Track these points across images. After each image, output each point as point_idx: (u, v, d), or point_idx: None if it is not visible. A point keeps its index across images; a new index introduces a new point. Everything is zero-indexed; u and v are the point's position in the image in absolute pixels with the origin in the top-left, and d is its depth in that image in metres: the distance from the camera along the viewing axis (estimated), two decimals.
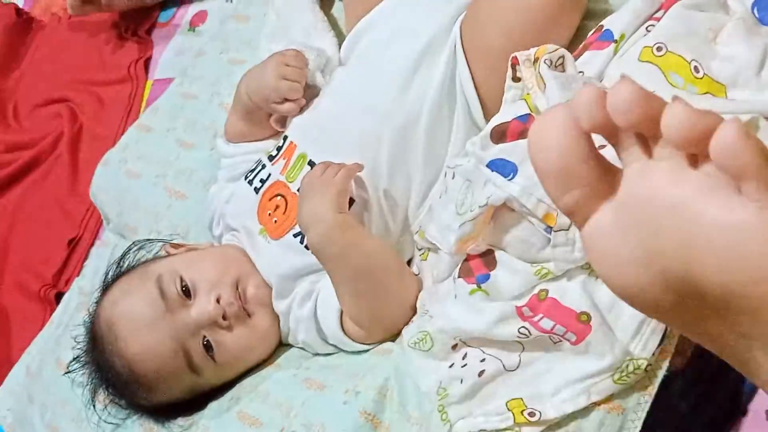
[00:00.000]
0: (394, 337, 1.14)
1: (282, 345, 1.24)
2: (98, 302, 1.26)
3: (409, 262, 1.19)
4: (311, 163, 1.20)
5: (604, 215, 0.57)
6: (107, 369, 1.23)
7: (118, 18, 1.83)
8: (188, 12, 1.79)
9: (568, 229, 0.96)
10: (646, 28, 1.04)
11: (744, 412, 1.02)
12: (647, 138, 0.55)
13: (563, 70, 1.05)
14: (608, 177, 0.57)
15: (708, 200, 0.52)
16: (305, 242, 1.16)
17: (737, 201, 0.52)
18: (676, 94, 0.83)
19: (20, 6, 2.08)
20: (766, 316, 0.53)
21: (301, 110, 1.26)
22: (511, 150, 1.01)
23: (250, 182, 1.27)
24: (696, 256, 0.53)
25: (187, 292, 1.19)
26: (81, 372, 1.30)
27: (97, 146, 1.67)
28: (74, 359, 1.32)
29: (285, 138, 1.26)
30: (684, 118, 0.52)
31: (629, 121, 0.54)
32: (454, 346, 1.03)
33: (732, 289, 0.53)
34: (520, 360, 0.99)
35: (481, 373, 0.99)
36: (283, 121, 1.28)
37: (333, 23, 1.42)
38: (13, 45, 2.00)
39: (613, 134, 0.56)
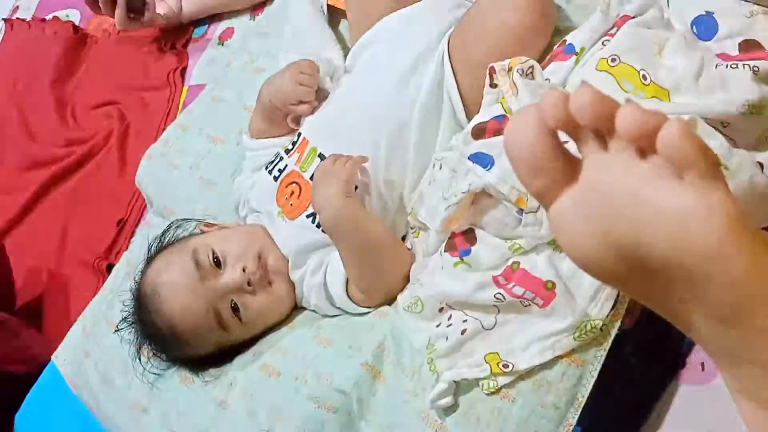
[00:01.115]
0: (391, 301, 1.14)
1: (297, 308, 1.24)
2: (143, 272, 1.26)
3: (403, 239, 1.19)
4: (321, 156, 1.20)
5: (567, 199, 0.57)
6: (150, 327, 1.23)
7: (159, 33, 1.83)
8: (218, 28, 1.79)
9: (536, 211, 0.97)
10: (602, 42, 1.04)
11: (683, 365, 1.03)
12: (603, 134, 0.56)
13: (533, 78, 1.05)
14: (571, 167, 0.57)
15: (655, 186, 0.53)
16: (317, 222, 1.17)
17: (680, 187, 0.52)
18: (629, 98, 0.83)
19: (77, 23, 2.07)
20: (702, 284, 0.54)
21: (313, 111, 1.26)
22: (489, 145, 1.01)
23: (270, 172, 1.27)
24: (644, 233, 0.54)
25: (218, 263, 1.19)
26: (128, 330, 1.30)
27: (142, 142, 1.67)
28: (123, 320, 1.32)
29: (299, 135, 1.26)
30: (635, 117, 0.53)
31: (588, 119, 0.54)
32: (441, 309, 1.04)
33: (674, 261, 0.53)
34: (496, 321, 0.99)
35: (463, 332, 0.99)
36: (298, 120, 1.28)
37: (339, 38, 1.42)
38: (71, 56, 2.00)
39: (574, 131, 0.56)
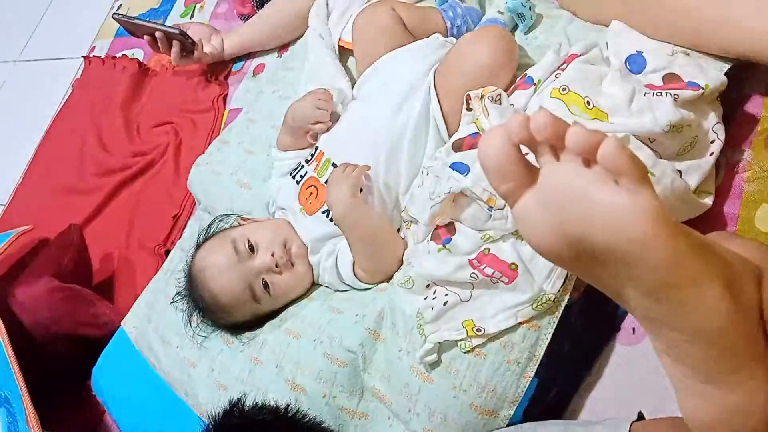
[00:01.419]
0: (388, 279, 1.14)
1: (314, 285, 1.24)
2: (193, 256, 1.27)
3: (398, 230, 1.19)
4: (334, 165, 1.20)
5: (528, 199, 0.58)
6: (199, 300, 1.24)
7: (206, 68, 1.83)
8: (252, 64, 1.78)
9: (503, 208, 0.97)
10: (555, 75, 1.04)
11: (618, 329, 1.03)
12: (556, 148, 0.56)
13: (500, 104, 1.05)
14: (531, 173, 0.57)
15: (596, 189, 0.53)
16: (330, 216, 1.17)
17: (616, 189, 0.52)
18: (576, 120, 0.83)
19: (141, 60, 2.07)
20: (634, 265, 0.54)
21: (327, 129, 1.26)
22: (465, 156, 1.02)
23: (293, 177, 1.27)
24: (589, 226, 0.54)
25: (252, 249, 1.19)
26: (181, 302, 1.30)
27: (192, 154, 1.67)
28: (177, 294, 1.33)
29: (316, 148, 1.26)
30: (581, 135, 0.53)
31: (544, 136, 0.54)
32: (428, 286, 1.03)
33: (612, 248, 0.53)
34: (471, 295, 0.99)
35: (445, 303, 0.99)
36: (315, 136, 1.28)
37: (348, 72, 1.42)
38: (137, 86, 2.00)
39: (533, 145, 0.56)
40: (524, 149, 0.57)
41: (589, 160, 0.54)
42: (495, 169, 0.57)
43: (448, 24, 1.29)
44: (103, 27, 2.38)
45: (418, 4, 1.37)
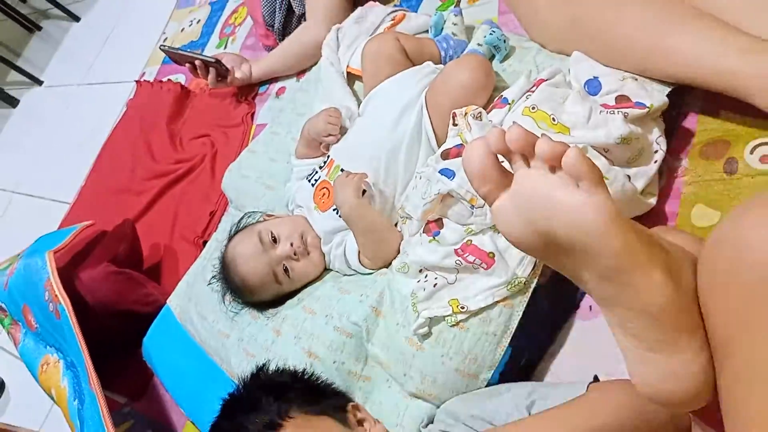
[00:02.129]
0: (388, 265, 1.14)
1: (326, 270, 1.23)
2: (226, 246, 1.26)
3: (395, 225, 1.19)
4: (343, 170, 1.19)
5: (503, 199, 0.58)
6: (230, 281, 1.24)
7: (237, 90, 1.83)
8: (275, 87, 1.78)
9: (483, 207, 0.97)
10: (526, 96, 1.04)
11: (577, 307, 1.03)
12: (527, 156, 0.55)
13: (481, 120, 1.05)
14: (506, 177, 0.57)
15: (561, 190, 0.53)
16: (339, 213, 1.16)
17: (577, 191, 0.52)
18: (543, 133, 0.83)
19: (183, 83, 2.07)
20: (591, 254, 0.54)
21: (337, 141, 1.26)
22: (452, 164, 1.01)
23: (309, 180, 1.27)
24: (554, 221, 0.54)
25: (274, 240, 1.19)
26: (216, 284, 1.30)
27: (225, 161, 1.66)
28: (212, 277, 1.32)
29: (328, 156, 1.25)
30: (547, 145, 0.53)
31: (517, 147, 0.54)
32: (420, 271, 1.03)
33: (573, 239, 0.53)
34: (456, 278, 0.99)
35: (435, 285, 0.99)
36: (327, 147, 1.27)
37: (354, 93, 1.41)
38: (180, 105, 2.00)
39: (508, 154, 0.56)
40: (501, 158, 0.57)
41: (554, 167, 0.54)
42: (476, 174, 0.57)
43: (442, 53, 1.29)
44: (152, 56, 2.38)
45: (417, 36, 1.37)
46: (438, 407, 0.98)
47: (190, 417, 1.36)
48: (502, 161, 0.57)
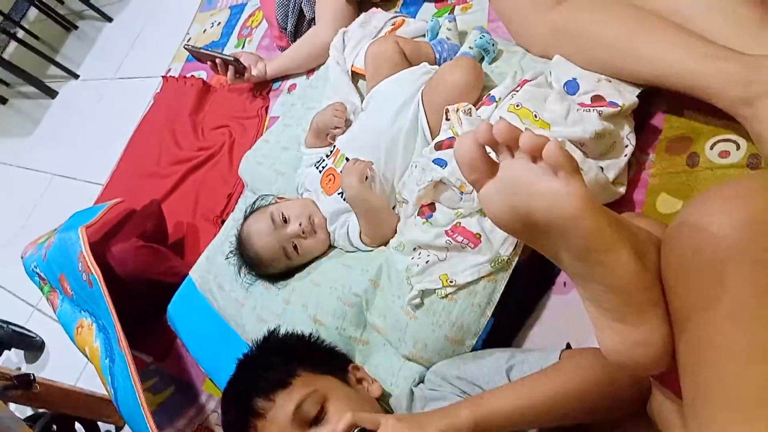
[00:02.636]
0: (386, 244, 1.13)
1: (331, 247, 1.23)
2: (242, 225, 1.26)
3: (393, 208, 1.18)
4: (347, 159, 1.19)
5: (490, 186, 0.57)
6: (245, 256, 1.23)
7: (253, 86, 1.81)
8: (287, 84, 1.77)
9: (471, 193, 0.97)
10: (512, 95, 1.03)
11: (553, 282, 1.03)
12: (512, 148, 0.55)
13: (471, 116, 1.04)
14: (492, 166, 0.57)
15: (541, 178, 0.52)
16: (344, 197, 1.16)
17: (555, 179, 0.52)
18: (527, 128, 0.83)
19: (205, 79, 2.06)
20: (567, 235, 0.54)
21: (342, 132, 1.25)
22: (444, 154, 1.01)
23: (317, 167, 1.26)
24: (534, 205, 0.53)
25: (285, 221, 1.18)
26: (233, 258, 1.30)
27: (242, 149, 1.65)
28: (230, 252, 1.32)
29: (334, 146, 1.25)
30: (530, 139, 0.52)
31: (503, 139, 0.54)
32: (415, 249, 1.03)
33: (551, 222, 0.53)
34: (446, 256, 0.99)
35: (427, 262, 0.99)
36: (333, 138, 1.27)
37: (358, 90, 1.41)
38: (201, 99, 1.99)
39: (495, 146, 0.56)
40: (488, 150, 0.57)
41: (535, 157, 0.53)
42: (466, 164, 0.57)
43: (437, 55, 1.28)
44: (176, 54, 2.36)
45: (414, 39, 1.35)
46: (428, 369, 0.99)
47: (208, 375, 1.36)
48: (490, 152, 0.57)
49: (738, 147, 0.93)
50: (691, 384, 0.55)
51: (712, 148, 0.95)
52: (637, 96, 0.98)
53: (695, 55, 0.88)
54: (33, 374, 1.35)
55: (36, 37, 3.22)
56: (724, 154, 0.94)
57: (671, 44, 0.91)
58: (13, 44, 3.08)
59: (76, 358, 1.49)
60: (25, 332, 1.87)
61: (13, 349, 1.90)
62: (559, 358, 0.82)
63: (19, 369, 1.88)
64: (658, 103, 1.04)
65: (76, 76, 2.90)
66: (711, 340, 0.52)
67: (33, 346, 1.88)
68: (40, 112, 2.94)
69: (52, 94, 2.94)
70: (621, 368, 0.60)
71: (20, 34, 3.12)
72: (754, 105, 0.83)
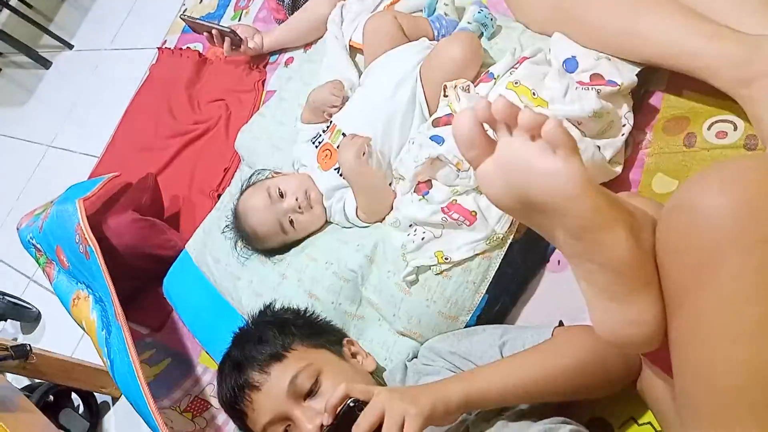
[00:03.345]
0: (382, 220, 1.13)
1: (327, 222, 1.23)
2: (238, 199, 1.25)
3: (390, 184, 1.18)
4: (344, 134, 1.18)
5: (488, 164, 0.57)
6: (241, 230, 1.23)
7: (249, 59, 1.79)
8: (284, 57, 1.74)
9: (467, 170, 0.96)
10: (510, 72, 1.02)
11: (548, 260, 1.04)
12: (510, 126, 0.55)
13: (469, 92, 1.04)
14: (490, 144, 0.57)
15: (539, 156, 0.52)
16: (340, 172, 1.15)
17: (554, 157, 0.52)
18: (526, 105, 0.82)
19: (201, 51, 2.03)
20: (564, 213, 0.54)
21: (339, 109, 1.24)
22: (442, 131, 1.01)
23: (313, 143, 1.25)
24: (532, 184, 0.53)
25: (281, 195, 1.18)
26: (229, 232, 1.29)
27: (238, 123, 1.63)
28: (226, 226, 1.31)
29: (330, 122, 1.24)
30: (529, 116, 0.52)
31: (502, 117, 0.54)
32: (410, 226, 1.03)
33: (548, 200, 0.53)
34: (442, 233, 0.99)
35: (422, 239, 0.99)
36: (330, 114, 1.25)
37: (356, 65, 1.39)
38: (198, 71, 1.96)
39: (493, 123, 0.56)
40: (486, 127, 0.56)
41: (534, 136, 0.53)
42: (464, 141, 0.56)
43: (435, 31, 1.26)
44: (172, 25, 2.32)
45: (412, 14, 1.34)
46: (422, 344, 1.00)
47: (204, 347, 1.37)
48: (487, 130, 0.57)
49: (735, 128, 0.93)
50: (683, 362, 0.56)
51: (709, 128, 0.95)
52: (636, 75, 0.97)
53: (695, 35, 0.87)
54: (29, 345, 1.36)
55: (29, 6, 3.15)
56: (722, 134, 0.94)
57: (671, 23, 0.90)
58: (5, 12, 3.01)
59: (73, 330, 1.49)
60: (21, 303, 1.87)
61: (9, 321, 1.90)
62: (552, 335, 0.83)
63: (15, 340, 1.88)
64: (656, 83, 1.03)
65: (71, 46, 2.86)
66: (703, 319, 0.53)
67: (29, 318, 1.88)
68: (34, 83, 2.90)
69: (46, 64, 2.89)
70: (613, 346, 0.60)
71: (13, 2, 3.05)
72: (753, 86, 0.83)
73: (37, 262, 1.54)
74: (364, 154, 1.12)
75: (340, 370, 0.90)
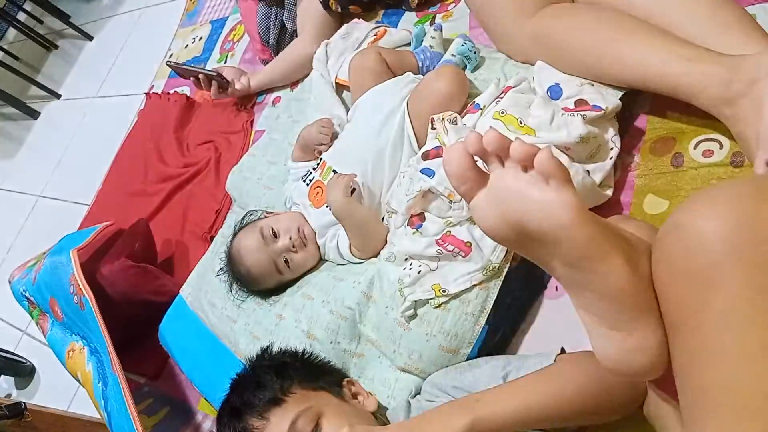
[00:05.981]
0: (376, 255, 1.13)
1: (322, 260, 1.22)
2: (232, 241, 1.25)
3: (382, 219, 1.18)
4: (334, 171, 1.18)
5: (481, 196, 0.57)
6: (236, 273, 1.22)
7: (237, 100, 1.80)
8: (271, 97, 1.76)
9: (460, 201, 0.96)
10: (496, 102, 1.03)
11: (545, 287, 1.03)
12: (502, 158, 0.55)
13: (456, 124, 1.04)
14: (482, 177, 0.57)
15: (532, 187, 0.52)
16: (331, 210, 1.15)
17: (547, 188, 0.52)
18: (517, 137, 0.82)
19: (189, 95, 2.04)
20: (559, 244, 0.54)
21: (329, 147, 1.25)
22: (431, 164, 1.01)
23: (304, 180, 1.26)
24: (526, 215, 0.53)
25: (275, 235, 1.18)
26: (224, 275, 1.29)
27: (228, 164, 1.64)
28: (220, 268, 1.31)
29: (321, 159, 1.24)
30: (521, 147, 0.52)
31: (493, 149, 0.54)
32: (406, 259, 1.03)
33: (543, 231, 0.53)
34: (438, 265, 0.99)
35: (419, 272, 0.99)
36: (320, 152, 1.26)
37: (342, 102, 1.41)
38: (186, 114, 1.97)
39: (485, 156, 0.56)
40: (477, 159, 0.56)
41: (526, 167, 0.53)
42: (456, 174, 0.57)
43: (420, 63, 1.28)
44: (159, 71, 2.35)
45: (397, 49, 1.36)
46: (424, 380, 0.98)
47: (203, 394, 1.35)
48: (478, 161, 0.57)
49: (721, 146, 0.94)
50: (687, 386, 0.55)
51: (695, 147, 0.96)
52: (620, 99, 0.99)
53: (676, 59, 0.88)
54: (24, 402, 1.33)
55: (16, 58, 3.19)
56: (708, 153, 0.94)
57: (652, 48, 0.92)
58: None
59: (68, 382, 1.47)
60: (15, 358, 1.84)
61: (2, 376, 1.86)
62: (555, 362, 0.82)
63: (10, 395, 1.84)
64: (640, 105, 1.05)
65: (58, 96, 2.88)
66: (704, 342, 0.52)
67: (23, 372, 1.85)
68: (23, 134, 2.91)
69: (34, 114, 2.91)
70: (616, 375, 0.60)
71: None
72: (735, 104, 0.84)
73: (30, 314, 1.52)
74: (353, 191, 1.12)
75: (340, 412, 0.88)
